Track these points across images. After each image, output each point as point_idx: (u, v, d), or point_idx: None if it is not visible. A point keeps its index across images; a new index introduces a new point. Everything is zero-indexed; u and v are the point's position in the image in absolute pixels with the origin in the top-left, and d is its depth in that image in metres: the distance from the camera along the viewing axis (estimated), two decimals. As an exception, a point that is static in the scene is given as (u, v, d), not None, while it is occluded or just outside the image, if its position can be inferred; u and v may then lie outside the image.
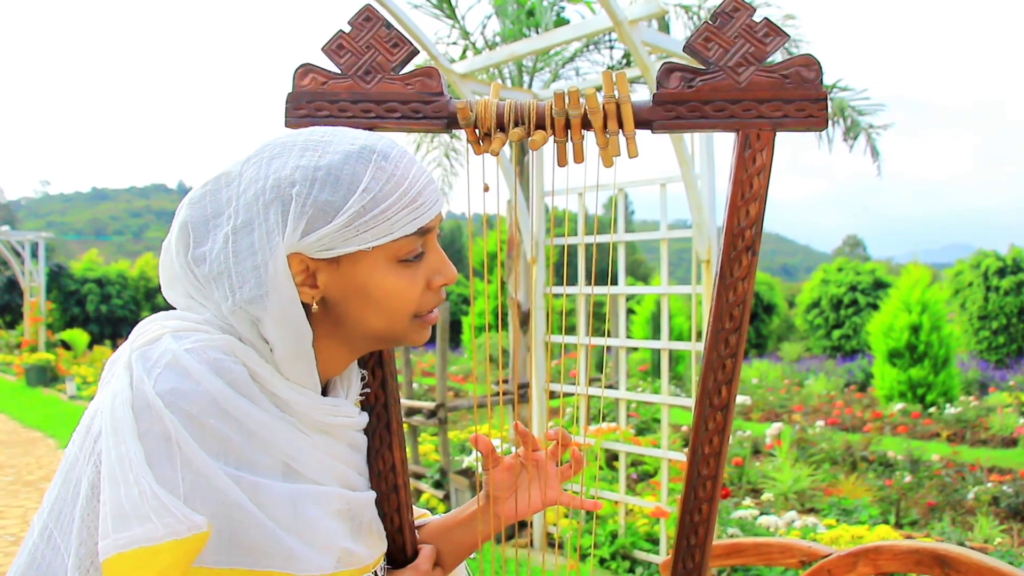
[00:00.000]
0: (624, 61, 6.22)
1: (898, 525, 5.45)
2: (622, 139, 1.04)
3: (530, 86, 6.52)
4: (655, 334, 15.07)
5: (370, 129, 1.06)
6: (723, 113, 1.01)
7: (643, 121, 1.03)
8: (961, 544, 4.51)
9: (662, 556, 4.34)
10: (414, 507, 1.17)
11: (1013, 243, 17.94)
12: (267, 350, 0.91)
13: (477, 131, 1.06)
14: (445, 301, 1.01)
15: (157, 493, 0.79)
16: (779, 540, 2.15)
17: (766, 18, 1.01)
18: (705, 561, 1.07)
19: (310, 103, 1.07)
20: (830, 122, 6.21)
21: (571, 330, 5.95)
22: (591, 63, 6.53)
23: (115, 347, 21.90)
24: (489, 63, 4.28)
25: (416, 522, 1.18)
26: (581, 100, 1.01)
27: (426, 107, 1.06)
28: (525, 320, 6.73)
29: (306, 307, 0.93)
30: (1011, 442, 8.88)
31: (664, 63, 1.03)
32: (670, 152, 4.11)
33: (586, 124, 1.03)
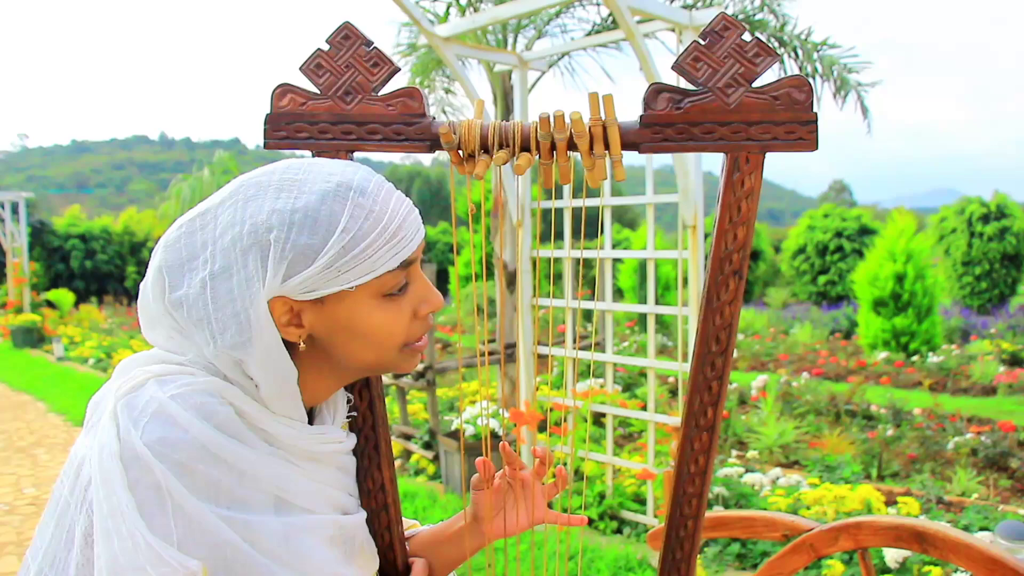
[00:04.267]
0: (610, 19, 6.12)
1: (880, 478, 5.55)
2: (608, 161, 1.03)
3: (514, 45, 6.41)
4: (642, 283, 15.11)
5: (351, 151, 1.05)
6: (712, 135, 1.00)
7: (630, 143, 1.02)
8: (940, 499, 4.61)
9: (649, 516, 4.41)
10: (403, 519, 1.18)
11: (997, 189, 18.01)
12: (252, 387, 0.91)
13: (461, 152, 1.04)
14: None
15: (151, 543, 0.80)
16: (763, 514, 2.18)
17: (756, 38, 0.99)
18: (691, 571, 1.09)
19: (289, 125, 1.05)
20: (819, 79, 6.17)
21: (557, 277, 5.95)
22: (576, 20, 6.42)
23: (101, 304, 21.79)
24: (473, 26, 4.20)
25: (405, 533, 1.19)
26: (567, 123, 1.00)
27: (408, 128, 1.04)
28: (511, 280, 6.73)
29: (293, 345, 0.92)
30: (991, 390, 9.02)
31: (652, 85, 1.01)
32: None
33: (572, 146, 1.02)
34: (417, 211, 0.95)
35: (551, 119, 0.99)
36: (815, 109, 1.00)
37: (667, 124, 1.01)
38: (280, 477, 0.91)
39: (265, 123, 1.05)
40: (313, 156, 1.03)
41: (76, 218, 25.22)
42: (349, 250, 0.87)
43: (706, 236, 4.28)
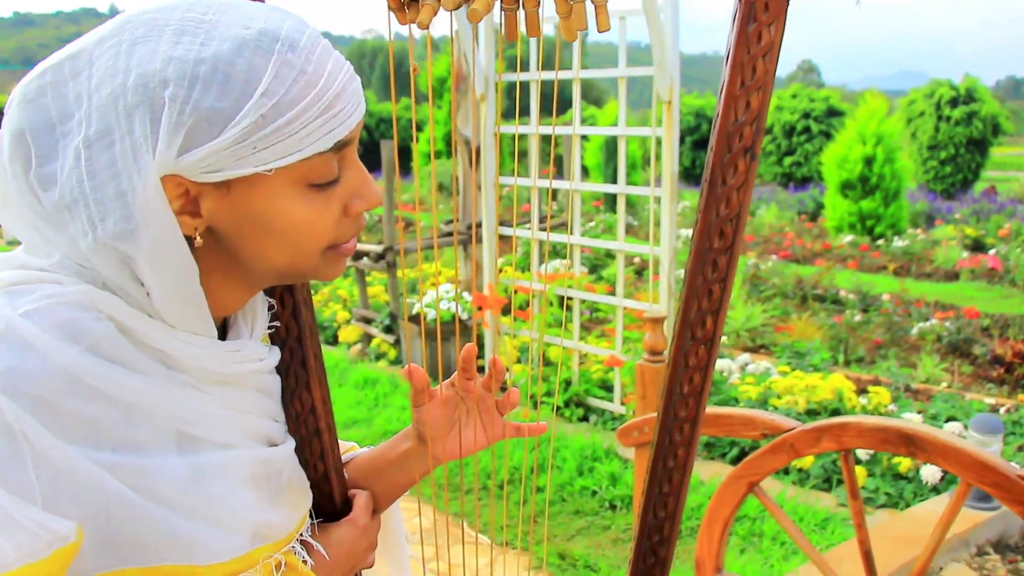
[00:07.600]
0: None
1: (846, 363, 5.54)
2: (589, 7, 0.80)
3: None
4: (608, 161, 14.78)
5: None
6: (723, -27, 0.77)
7: (619, -18, 0.79)
8: (907, 387, 4.59)
9: (616, 404, 4.34)
10: (339, 441, 1.00)
11: (968, 72, 17.79)
12: (143, 295, 0.70)
13: (402, -7, 0.81)
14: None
15: (3, 505, 0.61)
16: (741, 412, 2.07)
17: None
18: (675, 529, 0.93)
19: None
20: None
21: (523, 155, 5.72)
22: None
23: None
24: None
25: (343, 458, 1.02)
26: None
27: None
28: (473, 157, 6.45)
29: (187, 240, 0.71)
30: (954, 276, 9.06)
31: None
32: (632, -19, 3.77)
33: (544, -15, 0.79)
34: (359, 79, 0.73)
35: (518, -52, 0.76)
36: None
37: (668, -43, 0.78)
38: (183, 408, 0.72)
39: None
40: None
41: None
42: (271, 120, 0.65)
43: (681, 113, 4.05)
